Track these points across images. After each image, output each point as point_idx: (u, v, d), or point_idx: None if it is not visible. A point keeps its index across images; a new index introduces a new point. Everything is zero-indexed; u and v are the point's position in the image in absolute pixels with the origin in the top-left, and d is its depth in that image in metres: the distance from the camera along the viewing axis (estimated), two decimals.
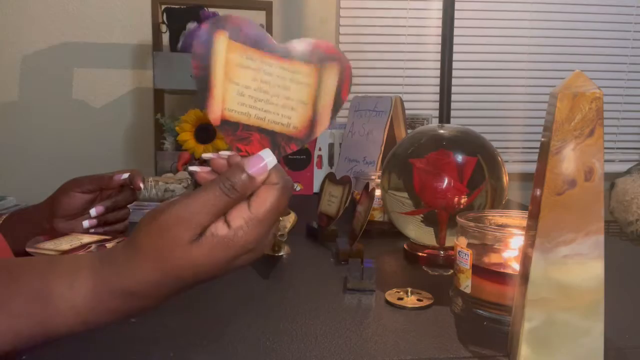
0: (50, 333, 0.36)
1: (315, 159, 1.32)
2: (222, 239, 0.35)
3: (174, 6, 1.54)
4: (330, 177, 0.87)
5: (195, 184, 0.57)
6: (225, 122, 0.38)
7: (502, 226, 0.56)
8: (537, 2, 1.90)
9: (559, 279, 0.40)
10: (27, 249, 0.58)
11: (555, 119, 0.39)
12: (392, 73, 1.90)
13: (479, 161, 0.69)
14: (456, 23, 1.25)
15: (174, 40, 1.52)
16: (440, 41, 1.25)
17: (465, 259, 0.52)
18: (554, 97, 0.39)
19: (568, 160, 0.39)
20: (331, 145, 1.34)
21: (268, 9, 1.59)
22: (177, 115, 1.43)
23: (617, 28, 1.94)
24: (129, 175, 0.70)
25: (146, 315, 0.38)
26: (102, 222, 0.70)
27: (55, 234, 0.64)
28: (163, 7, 1.53)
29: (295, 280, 0.66)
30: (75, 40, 1.72)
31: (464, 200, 0.68)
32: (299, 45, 0.39)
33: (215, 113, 0.38)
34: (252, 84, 0.38)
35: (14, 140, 1.72)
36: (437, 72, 1.27)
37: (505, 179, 0.72)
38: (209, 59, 0.38)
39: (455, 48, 1.26)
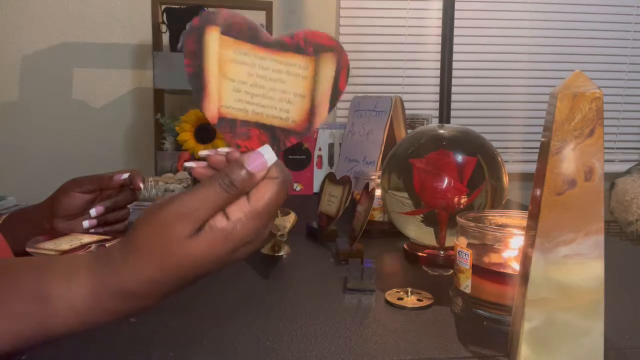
0: (49, 333, 0.36)
1: (315, 159, 1.32)
2: (221, 231, 0.35)
3: (174, 6, 1.54)
4: (330, 177, 0.87)
5: (195, 181, 0.57)
6: (222, 120, 0.38)
7: (502, 226, 0.56)
8: (537, 2, 1.90)
9: (559, 279, 0.40)
10: (27, 249, 0.58)
11: (555, 119, 0.39)
12: (392, 73, 1.90)
13: (479, 161, 0.69)
14: (456, 23, 1.25)
15: (174, 40, 1.52)
16: (440, 41, 1.25)
17: (465, 259, 0.52)
18: (554, 97, 0.39)
19: (568, 160, 0.39)
20: (331, 145, 1.34)
21: (268, 9, 1.59)
22: (177, 115, 1.43)
23: (617, 28, 1.94)
24: (129, 175, 0.70)
25: (146, 315, 0.38)
26: (102, 222, 0.70)
27: (55, 234, 0.64)
28: (163, 7, 1.54)
29: (295, 280, 0.66)
30: (75, 40, 1.72)
31: (464, 200, 0.68)
32: (293, 37, 0.38)
33: (211, 111, 0.38)
34: (248, 79, 0.38)
35: (14, 140, 1.72)
36: (437, 72, 1.27)
37: (505, 179, 0.72)
38: (202, 56, 0.37)
39: (455, 48, 1.26)
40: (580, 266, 0.40)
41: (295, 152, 1.31)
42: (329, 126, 1.40)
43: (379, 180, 0.81)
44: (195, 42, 0.37)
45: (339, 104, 1.86)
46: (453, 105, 1.28)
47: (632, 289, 0.65)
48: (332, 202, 0.82)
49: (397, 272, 0.70)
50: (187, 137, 1.35)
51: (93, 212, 0.68)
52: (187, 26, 0.37)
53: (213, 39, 0.37)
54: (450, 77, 1.25)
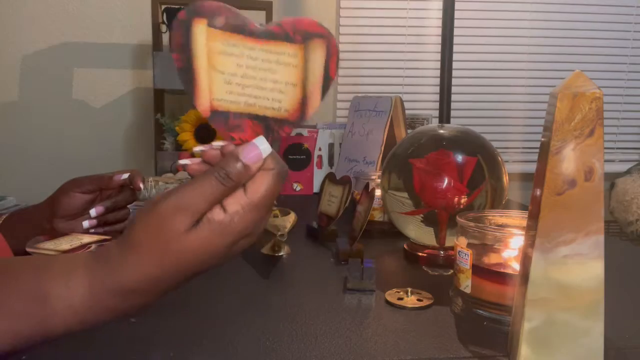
0: (49, 333, 0.36)
1: (315, 159, 1.32)
2: (219, 224, 0.35)
3: (174, 6, 1.54)
4: (330, 177, 0.87)
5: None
6: (215, 113, 0.38)
7: (502, 226, 0.56)
8: (537, 2, 1.90)
9: (559, 279, 0.40)
10: (27, 249, 0.58)
11: (555, 119, 0.39)
12: (392, 73, 1.90)
13: (479, 161, 0.69)
14: (456, 23, 1.25)
15: None
16: (440, 41, 1.25)
17: (465, 259, 0.52)
18: (554, 97, 0.39)
19: (568, 160, 0.39)
20: (331, 145, 1.34)
21: (268, 9, 1.59)
22: (177, 115, 1.43)
23: (617, 28, 1.94)
24: (129, 175, 0.70)
25: (146, 315, 0.38)
26: (102, 222, 0.70)
27: (55, 234, 0.64)
28: (163, 7, 1.53)
29: (295, 280, 0.66)
30: (75, 40, 1.72)
31: (464, 200, 0.68)
32: (281, 25, 0.38)
33: (203, 104, 0.37)
34: (238, 70, 0.37)
35: (14, 140, 1.72)
36: (437, 72, 1.27)
37: (505, 179, 0.72)
38: (190, 49, 0.37)
39: (455, 48, 1.26)
40: (580, 266, 0.40)
41: (295, 152, 1.31)
42: (329, 126, 1.40)
43: (379, 180, 0.81)
44: (183, 35, 0.36)
45: (339, 104, 1.87)
46: (453, 105, 1.28)
47: (632, 289, 0.65)
48: (332, 202, 0.82)
49: (397, 272, 0.70)
50: (187, 137, 1.35)
51: (93, 212, 0.68)
52: (174, 20, 0.37)
53: (200, 31, 0.37)
54: (450, 77, 1.25)
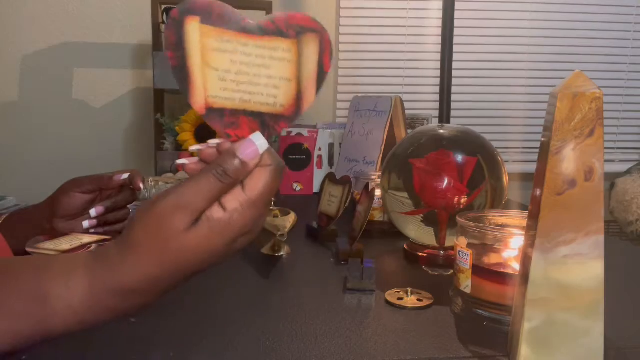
0: (48, 332, 0.36)
1: (315, 159, 1.32)
2: (219, 222, 0.35)
3: (174, 6, 1.54)
4: (330, 177, 0.87)
5: None
6: (210, 110, 0.37)
7: (502, 226, 0.56)
8: (537, 2, 1.90)
9: (559, 279, 0.40)
10: (27, 249, 0.58)
11: (555, 119, 0.39)
12: (392, 73, 1.90)
13: (479, 161, 0.69)
14: (456, 23, 1.25)
15: None
16: (440, 41, 1.25)
17: (465, 259, 0.52)
18: (554, 97, 0.39)
19: (568, 160, 0.39)
20: (331, 145, 1.34)
21: (268, 9, 1.59)
22: (177, 115, 1.43)
23: (617, 28, 1.94)
24: (129, 175, 0.70)
25: (146, 315, 0.38)
26: (102, 223, 0.70)
27: (55, 234, 0.64)
28: (163, 7, 1.54)
29: (295, 280, 0.66)
30: (75, 40, 1.72)
31: (464, 200, 0.68)
32: (274, 21, 0.38)
33: (198, 102, 0.37)
34: (232, 67, 0.37)
35: (14, 141, 1.72)
36: (437, 72, 1.27)
37: (505, 179, 0.72)
38: (184, 47, 0.37)
39: (455, 48, 1.26)
40: (580, 266, 0.40)
41: (295, 152, 1.31)
42: (329, 126, 1.40)
43: (379, 180, 0.81)
44: (176, 34, 0.36)
45: (339, 104, 1.87)
46: (453, 105, 1.28)
47: (632, 289, 0.65)
48: (332, 202, 0.82)
49: (397, 272, 0.70)
50: (187, 137, 1.35)
51: (93, 212, 0.68)
52: (167, 18, 0.37)
53: (193, 29, 0.36)
54: (450, 77, 1.25)
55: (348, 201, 0.79)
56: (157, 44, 1.57)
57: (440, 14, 1.26)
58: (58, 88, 1.73)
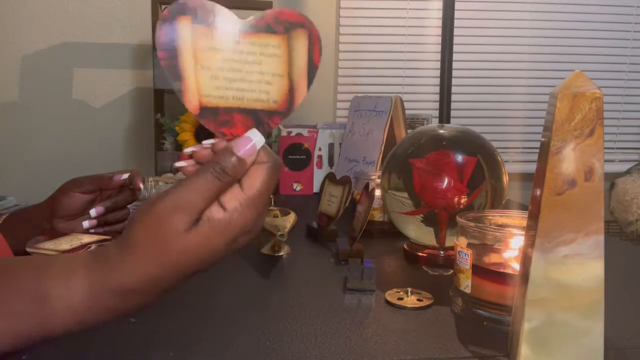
0: (48, 332, 0.36)
1: (315, 159, 1.32)
2: (219, 222, 0.35)
3: None
4: (330, 177, 0.87)
5: None
6: (204, 109, 0.37)
7: (502, 226, 0.56)
8: (537, 2, 1.90)
9: (559, 279, 0.40)
10: (27, 249, 0.58)
11: (555, 119, 0.39)
12: (392, 73, 1.90)
13: (479, 161, 0.69)
14: (456, 23, 1.25)
15: None
16: (440, 41, 1.25)
17: (465, 259, 0.52)
18: (554, 97, 0.39)
19: (568, 160, 0.39)
20: (331, 145, 1.34)
21: (268, 9, 1.59)
22: (177, 115, 1.43)
23: (617, 28, 1.94)
24: (129, 175, 0.70)
25: (146, 315, 0.38)
26: (102, 223, 0.70)
27: (55, 234, 0.64)
28: (163, 7, 1.54)
29: (295, 280, 0.66)
30: (75, 40, 1.72)
31: (464, 200, 0.68)
32: (263, 18, 0.38)
33: (192, 102, 0.37)
34: (224, 65, 0.38)
35: (14, 141, 1.72)
36: (437, 72, 1.27)
37: (505, 179, 0.72)
38: (176, 47, 0.37)
39: (455, 48, 1.26)
40: (580, 266, 0.40)
41: (295, 152, 1.31)
42: (329, 126, 1.40)
43: (379, 180, 0.81)
44: (168, 34, 0.36)
45: (339, 104, 1.87)
46: (453, 105, 1.28)
47: (632, 289, 0.65)
48: (332, 202, 0.82)
49: (397, 272, 0.70)
50: (187, 137, 1.35)
51: (93, 212, 0.68)
52: (159, 19, 0.37)
53: (185, 29, 0.37)
54: (450, 77, 1.25)
55: (348, 201, 0.79)
56: None
57: (440, 14, 1.26)
58: (58, 88, 1.73)
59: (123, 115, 1.77)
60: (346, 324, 0.51)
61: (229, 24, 0.38)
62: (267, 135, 0.37)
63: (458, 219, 0.55)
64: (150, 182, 1.03)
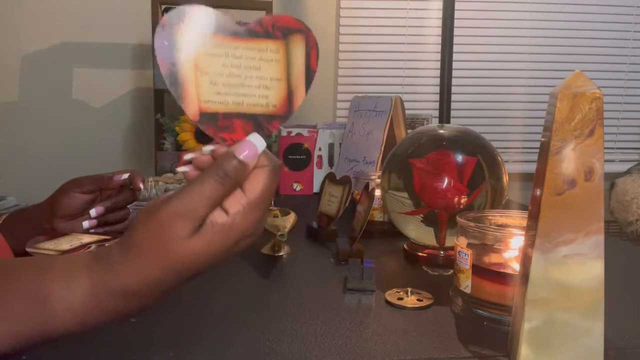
0: (49, 334, 0.36)
1: (315, 159, 1.32)
2: (222, 226, 0.35)
3: (174, 6, 1.54)
4: (330, 177, 0.87)
5: None
6: (204, 115, 0.37)
7: (502, 226, 0.56)
8: (537, 2, 1.90)
9: (559, 279, 0.40)
10: (27, 249, 0.58)
11: (555, 119, 0.39)
12: (392, 73, 1.90)
13: (479, 161, 0.69)
14: (456, 23, 1.25)
15: None
16: (440, 41, 1.25)
17: (465, 259, 0.52)
18: (554, 97, 0.39)
19: (568, 160, 0.39)
20: (331, 145, 1.34)
21: (268, 9, 1.59)
22: (177, 115, 1.43)
23: (617, 28, 1.94)
24: (129, 175, 0.70)
25: (146, 315, 0.38)
26: (102, 223, 0.70)
27: (55, 234, 0.64)
28: (163, 7, 1.54)
29: (295, 280, 0.66)
30: (75, 40, 1.72)
31: (464, 200, 0.68)
32: (262, 24, 0.39)
33: (192, 108, 0.37)
34: (223, 70, 0.38)
35: (14, 140, 1.72)
36: (437, 72, 1.27)
37: (505, 179, 0.72)
38: (175, 54, 0.37)
39: (455, 48, 1.26)
40: (580, 266, 0.40)
41: (295, 152, 1.31)
42: (329, 126, 1.40)
43: (379, 180, 0.81)
44: (167, 40, 0.37)
45: (339, 104, 1.87)
46: (453, 105, 1.28)
47: (632, 289, 0.65)
48: (332, 202, 0.82)
49: (397, 272, 0.70)
50: (187, 137, 1.35)
51: (93, 212, 0.68)
52: (157, 26, 0.37)
53: (184, 35, 0.37)
54: (450, 77, 1.25)
55: (348, 201, 0.79)
56: None
57: (440, 14, 1.26)
58: (58, 88, 1.73)
59: (123, 115, 1.77)
60: (346, 324, 0.51)
61: (228, 29, 0.38)
62: (266, 139, 0.37)
63: (458, 219, 0.55)
64: (150, 182, 1.03)
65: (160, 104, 1.56)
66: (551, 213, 0.40)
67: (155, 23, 1.55)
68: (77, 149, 1.73)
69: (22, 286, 0.36)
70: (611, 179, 1.92)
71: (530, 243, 0.41)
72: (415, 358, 0.44)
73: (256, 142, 0.36)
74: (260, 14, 1.59)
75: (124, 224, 0.73)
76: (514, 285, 0.45)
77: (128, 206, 0.74)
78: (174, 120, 1.43)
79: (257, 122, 0.39)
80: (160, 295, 0.36)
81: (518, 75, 1.93)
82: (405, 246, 0.76)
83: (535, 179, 0.42)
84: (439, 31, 1.26)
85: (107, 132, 1.75)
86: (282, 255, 0.73)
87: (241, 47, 0.38)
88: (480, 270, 0.51)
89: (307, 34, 0.39)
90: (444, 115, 1.25)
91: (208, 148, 0.38)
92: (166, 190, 1.04)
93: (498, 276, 0.50)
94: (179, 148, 1.40)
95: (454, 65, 1.26)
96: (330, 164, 1.34)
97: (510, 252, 0.51)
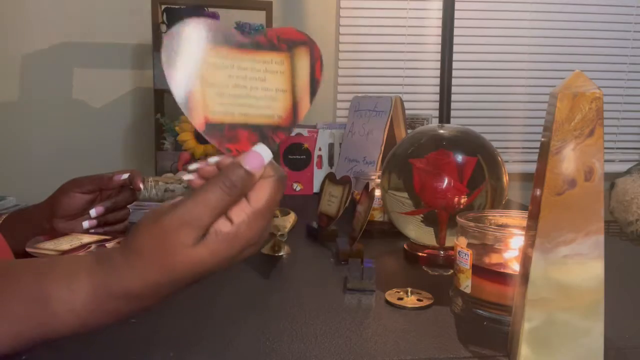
0: (49, 335, 0.36)
1: (315, 159, 1.32)
2: (226, 235, 0.35)
3: (174, 6, 1.54)
4: (330, 177, 0.87)
5: None
6: (209, 126, 0.38)
7: (502, 226, 0.56)
8: (537, 2, 1.90)
9: (559, 279, 0.40)
10: (27, 249, 0.58)
11: (555, 119, 0.39)
12: (392, 73, 1.90)
13: (479, 161, 0.69)
14: (456, 23, 1.25)
15: None
16: (440, 41, 1.25)
17: (465, 259, 0.52)
18: (554, 97, 0.39)
19: (568, 160, 0.39)
20: (331, 145, 1.34)
21: (268, 9, 1.59)
22: (177, 115, 1.43)
23: (617, 28, 1.94)
24: (129, 175, 0.70)
25: (146, 315, 0.38)
26: (102, 223, 0.70)
27: (55, 234, 0.64)
28: (163, 7, 1.54)
29: (295, 280, 0.66)
30: (76, 40, 1.72)
31: (464, 200, 0.68)
32: (267, 36, 0.40)
33: (198, 119, 0.37)
34: (229, 81, 0.38)
35: (14, 140, 1.72)
36: (437, 72, 1.27)
37: (505, 179, 0.72)
38: (181, 65, 0.37)
39: (455, 48, 1.26)
40: (580, 266, 0.40)
41: (295, 152, 1.31)
42: (329, 126, 1.40)
43: (379, 180, 0.81)
44: (174, 52, 0.37)
45: (339, 104, 1.87)
46: (453, 105, 1.28)
47: (632, 289, 0.65)
48: (332, 202, 0.82)
49: (397, 272, 0.70)
50: (187, 137, 1.35)
51: (93, 212, 0.68)
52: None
53: (190, 47, 0.37)
54: (450, 77, 1.25)
55: (348, 201, 0.79)
56: (157, 44, 1.57)
57: (440, 14, 1.26)
58: (58, 88, 1.73)
59: (123, 115, 1.77)
60: (346, 324, 0.51)
61: (234, 41, 0.39)
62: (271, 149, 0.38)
63: (458, 219, 0.55)
64: (150, 182, 1.03)
65: (160, 104, 1.56)
66: (551, 213, 0.40)
67: (155, 23, 1.55)
68: (77, 148, 1.73)
69: (22, 287, 0.36)
70: (611, 179, 1.92)
71: (530, 243, 0.41)
72: (415, 358, 0.44)
73: (263, 152, 0.37)
74: (261, 15, 1.59)
75: (124, 224, 0.73)
76: (514, 285, 0.45)
77: (128, 206, 0.74)
78: (174, 120, 1.43)
79: (262, 132, 0.39)
80: (162, 298, 0.36)
81: (518, 75, 1.93)
82: (405, 246, 0.76)
83: (535, 179, 0.42)
84: (439, 31, 1.26)
85: (107, 132, 1.76)
86: (282, 255, 0.73)
87: (247, 59, 0.39)
88: (480, 270, 0.51)
89: (311, 46, 0.40)
90: (444, 115, 1.25)
91: (214, 159, 0.38)
92: (166, 190, 1.04)
93: (498, 276, 0.50)
94: (179, 148, 1.40)
95: (454, 65, 1.26)
96: (330, 164, 1.34)
97: (510, 252, 0.51)
